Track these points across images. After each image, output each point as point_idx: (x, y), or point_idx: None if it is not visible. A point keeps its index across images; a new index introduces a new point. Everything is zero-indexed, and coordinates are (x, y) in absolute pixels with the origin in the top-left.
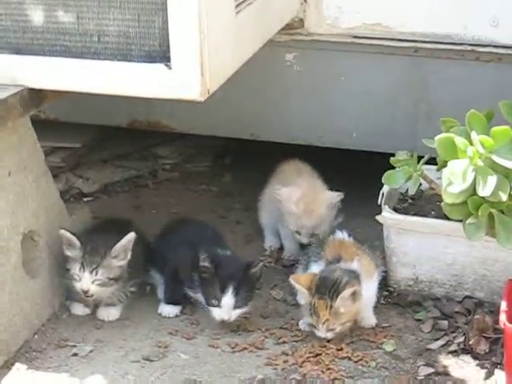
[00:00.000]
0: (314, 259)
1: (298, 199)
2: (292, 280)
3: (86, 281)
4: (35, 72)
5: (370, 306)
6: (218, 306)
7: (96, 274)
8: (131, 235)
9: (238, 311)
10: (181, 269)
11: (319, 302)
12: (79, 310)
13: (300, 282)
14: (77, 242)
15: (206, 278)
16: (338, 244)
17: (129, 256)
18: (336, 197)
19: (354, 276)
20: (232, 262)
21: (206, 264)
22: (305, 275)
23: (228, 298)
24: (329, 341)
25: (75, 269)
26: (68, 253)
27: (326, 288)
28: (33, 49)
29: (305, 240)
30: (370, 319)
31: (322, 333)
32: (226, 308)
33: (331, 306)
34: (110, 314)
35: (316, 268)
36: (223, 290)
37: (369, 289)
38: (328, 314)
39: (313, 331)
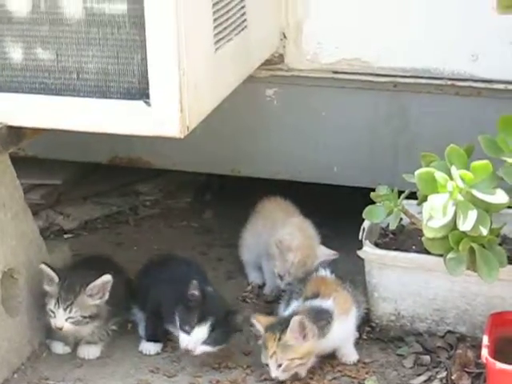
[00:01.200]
0: (295, 296)
1: (297, 248)
2: (254, 320)
3: (59, 318)
4: (14, 109)
5: (350, 342)
6: (189, 333)
7: (70, 311)
8: (107, 277)
9: (205, 348)
10: (162, 305)
11: (268, 336)
12: (59, 348)
13: (260, 321)
14: (55, 277)
15: (190, 306)
16: (319, 281)
17: (106, 296)
18: (332, 255)
19: (323, 315)
20: (217, 300)
21: (195, 292)
22: (267, 317)
23: (201, 331)
24: (311, 377)
25: (51, 304)
26: (47, 287)
27: (278, 324)
28: (12, 86)
29: (283, 286)
30: (351, 355)
31: (273, 370)
32: (195, 339)
33: (279, 339)
34: (90, 352)
35: (295, 305)
36: (200, 322)
37: (344, 326)
38: (275, 347)
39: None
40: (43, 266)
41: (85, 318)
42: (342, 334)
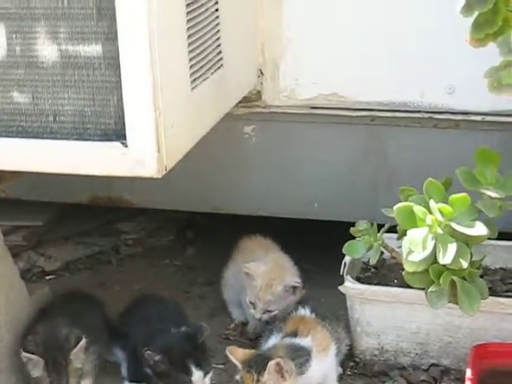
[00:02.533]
0: (274, 333)
1: (263, 272)
2: (228, 352)
3: None
4: None
5: (332, 379)
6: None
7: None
8: (82, 343)
9: (208, 377)
10: (139, 347)
11: (246, 376)
12: None
13: (235, 354)
14: (40, 361)
15: (165, 370)
16: (298, 320)
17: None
18: (294, 281)
19: (301, 352)
20: (183, 338)
21: (157, 358)
22: (243, 350)
23: (196, 375)
24: None
25: None
26: (34, 374)
27: (256, 362)
28: None
29: (258, 315)
30: None
31: None
32: (200, 381)
33: (258, 380)
34: None
35: (272, 341)
36: (187, 372)
37: (323, 363)
38: None
39: None
40: (24, 354)
41: (79, 376)
42: (321, 371)
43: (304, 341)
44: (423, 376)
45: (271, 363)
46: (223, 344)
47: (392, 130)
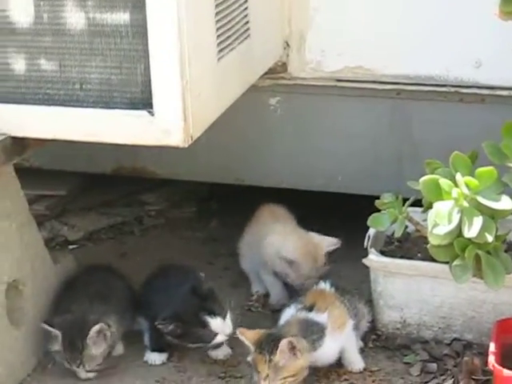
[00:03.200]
0: (292, 305)
1: (302, 256)
2: (239, 334)
3: (79, 373)
4: (17, 120)
5: (353, 352)
6: (224, 326)
7: (83, 366)
8: (98, 327)
9: (228, 318)
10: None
11: (258, 357)
12: None
13: (246, 335)
14: (59, 335)
15: (183, 333)
16: (317, 294)
17: (110, 341)
18: (336, 244)
19: (315, 328)
20: (188, 296)
21: (170, 327)
22: (253, 331)
23: (213, 324)
24: None
25: (64, 362)
26: (51, 348)
27: (267, 343)
28: (15, 97)
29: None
30: (357, 363)
31: None
32: (221, 326)
33: (270, 360)
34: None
35: (289, 313)
36: (204, 325)
37: (338, 341)
38: (267, 369)
39: None
40: (44, 326)
41: (100, 365)
42: (336, 348)
43: (320, 316)
44: (446, 350)
45: (283, 342)
46: (246, 316)
47: (417, 103)
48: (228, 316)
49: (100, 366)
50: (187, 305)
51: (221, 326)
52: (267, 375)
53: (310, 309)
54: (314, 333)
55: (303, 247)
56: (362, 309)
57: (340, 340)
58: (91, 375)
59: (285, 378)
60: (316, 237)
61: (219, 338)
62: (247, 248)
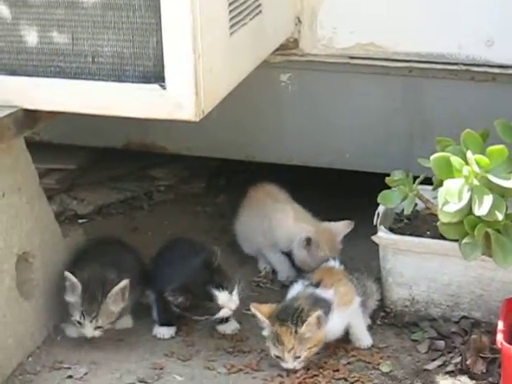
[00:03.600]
0: (299, 281)
1: (318, 233)
2: (253, 308)
3: (88, 329)
4: (29, 93)
5: (360, 329)
6: (230, 301)
7: (97, 321)
8: (124, 283)
9: (235, 292)
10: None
11: (282, 330)
12: (74, 331)
13: (261, 310)
14: (79, 286)
15: (191, 305)
16: (326, 271)
17: (126, 300)
18: (349, 226)
19: (321, 304)
20: (198, 269)
21: (179, 299)
22: (266, 305)
23: (220, 298)
24: (325, 362)
25: (76, 316)
26: (69, 298)
27: (288, 315)
28: (27, 70)
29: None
30: (365, 340)
31: (289, 363)
32: (228, 300)
33: (296, 332)
34: (123, 323)
35: (296, 289)
36: (212, 299)
37: (344, 318)
38: (293, 341)
39: (279, 364)
40: (67, 274)
41: (112, 323)
42: (341, 324)
43: (326, 293)
44: (454, 328)
45: (313, 316)
46: (255, 292)
47: (429, 81)
48: (235, 291)
49: (111, 324)
50: (197, 277)
51: (227, 300)
52: (293, 347)
53: (317, 285)
54: (320, 308)
55: (321, 234)
56: (370, 286)
57: (346, 316)
58: (97, 333)
59: (309, 348)
60: (330, 224)
61: (223, 312)
62: (246, 229)
